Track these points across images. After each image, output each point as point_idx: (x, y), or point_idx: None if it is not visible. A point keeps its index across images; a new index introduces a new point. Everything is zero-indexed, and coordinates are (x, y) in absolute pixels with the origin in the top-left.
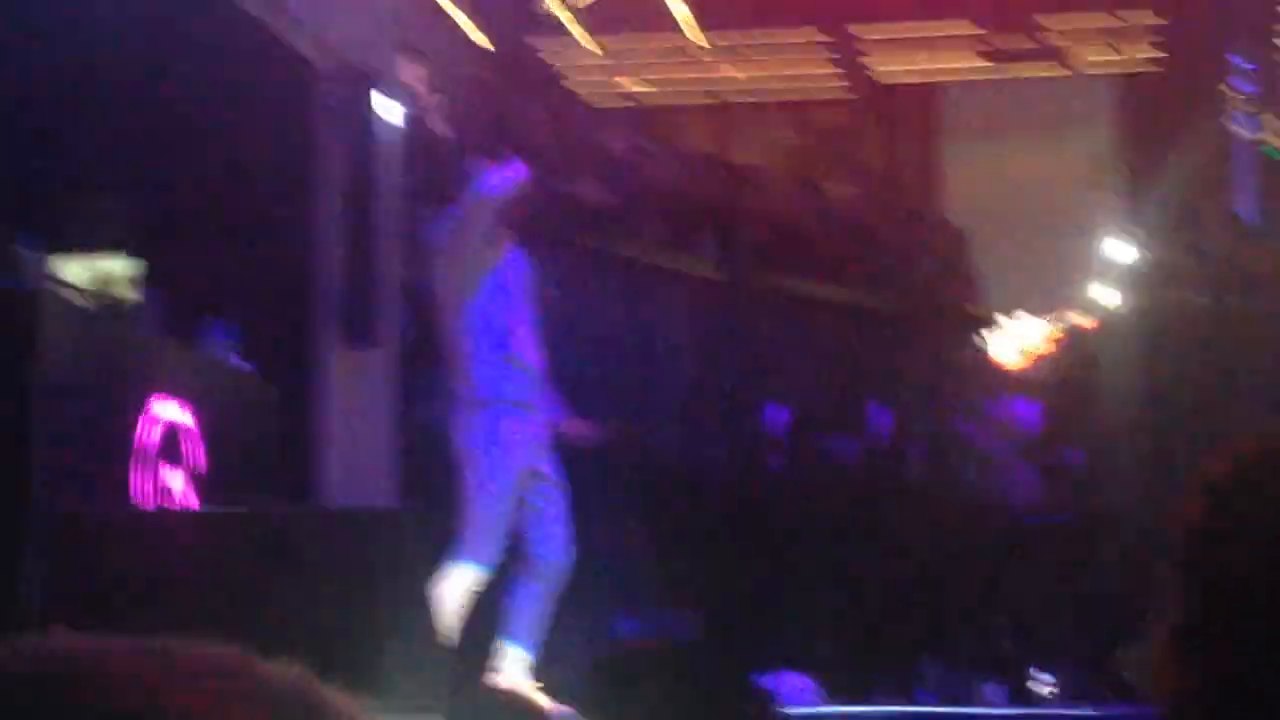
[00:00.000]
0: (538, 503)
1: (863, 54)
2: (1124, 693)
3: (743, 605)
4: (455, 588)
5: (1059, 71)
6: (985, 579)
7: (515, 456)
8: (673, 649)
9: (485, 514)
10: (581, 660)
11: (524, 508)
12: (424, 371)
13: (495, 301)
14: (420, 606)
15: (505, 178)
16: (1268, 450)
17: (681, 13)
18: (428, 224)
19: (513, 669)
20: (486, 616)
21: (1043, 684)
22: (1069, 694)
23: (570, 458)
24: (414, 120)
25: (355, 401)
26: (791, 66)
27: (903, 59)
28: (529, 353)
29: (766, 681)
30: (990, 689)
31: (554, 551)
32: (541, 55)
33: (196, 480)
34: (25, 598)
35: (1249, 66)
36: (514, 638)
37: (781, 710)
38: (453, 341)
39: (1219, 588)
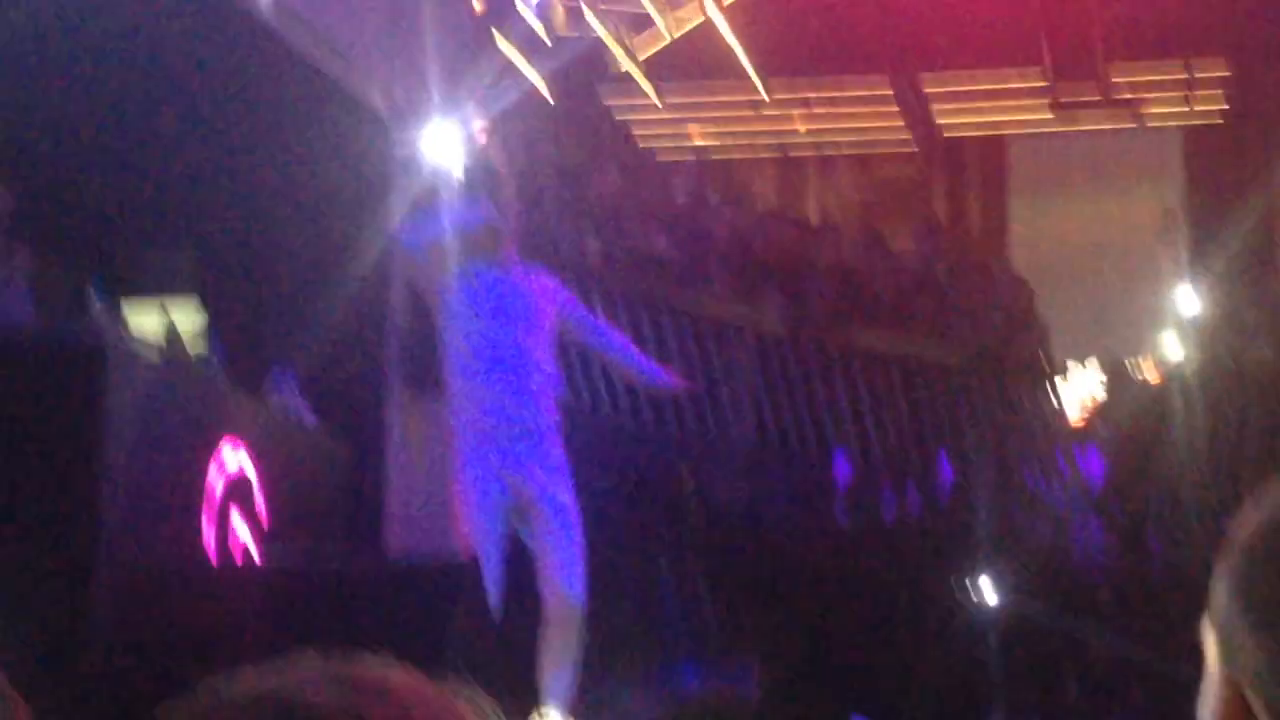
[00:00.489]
0: (545, 538)
1: (929, 105)
2: None
3: (806, 657)
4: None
5: (1126, 123)
6: (1053, 634)
7: (499, 487)
8: (738, 702)
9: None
10: (640, 709)
11: (532, 541)
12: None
13: (494, 327)
14: (488, 656)
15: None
16: None
17: (748, 64)
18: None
19: (553, 709)
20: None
21: None
22: None
23: (637, 504)
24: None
25: (422, 450)
26: (857, 119)
27: (969, 111)
28: (532, 379)
29: None
30: None
31: (568, 587)
32: (609, 107)
33: (264, 530)
34: (93, 650)
35: None
36: (550, 692)
37: None
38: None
39: (1262, 641)
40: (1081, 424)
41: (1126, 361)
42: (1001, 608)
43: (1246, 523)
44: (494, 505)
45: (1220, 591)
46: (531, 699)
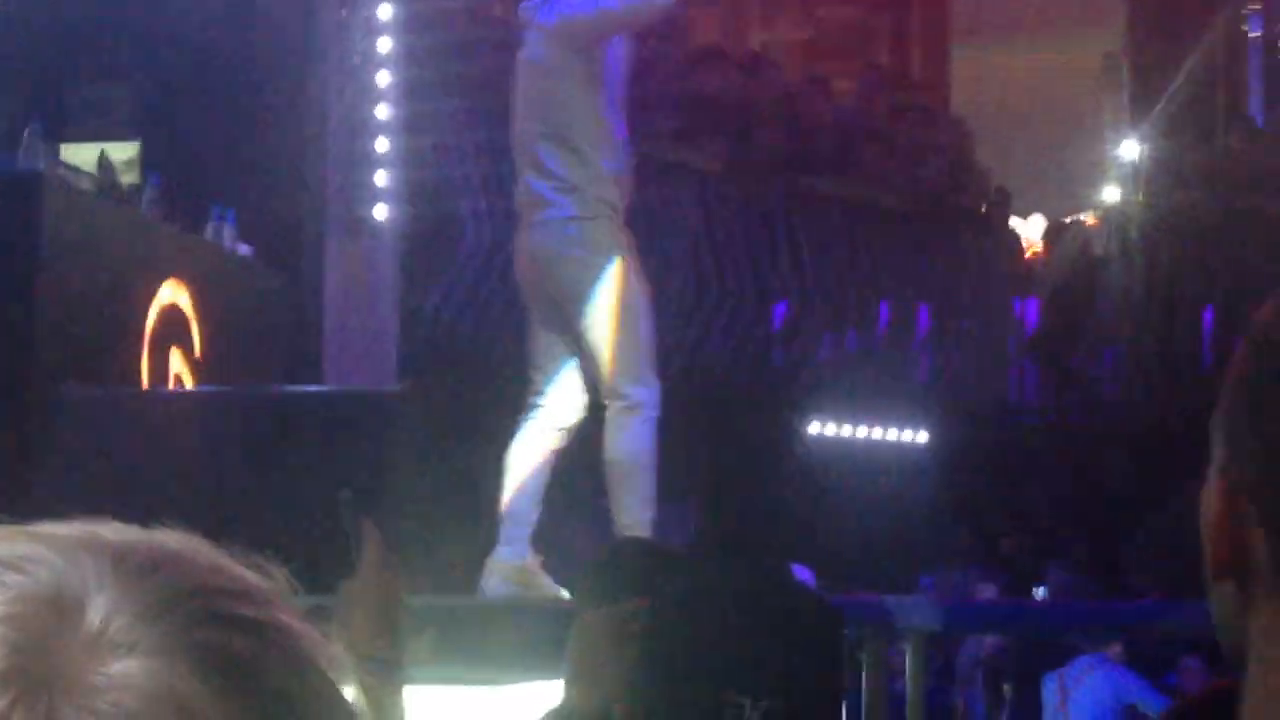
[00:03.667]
0: None
1: None
2: (1128, 592)
3: (743, 500)
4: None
5: None
6: (987, 479)
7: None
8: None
9: (638, 346)
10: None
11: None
12: (424, 257)
13: (596, 108)
14: (421, 486)
15: None
16: None
17: None
18: None
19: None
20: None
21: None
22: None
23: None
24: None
25: (357, 286)
26: None
27: None
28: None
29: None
30: (987, 589)
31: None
32: None
33: (200, 364)
34: (31, 480)
35: None
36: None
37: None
38: (545, 150)
39: (1272, 433)
40: (1022, 270)
41: (1066, 207)
42: (937, 454)
43: (1260, 315)
44: None
45: (1228, 384)
46: (469, 532)
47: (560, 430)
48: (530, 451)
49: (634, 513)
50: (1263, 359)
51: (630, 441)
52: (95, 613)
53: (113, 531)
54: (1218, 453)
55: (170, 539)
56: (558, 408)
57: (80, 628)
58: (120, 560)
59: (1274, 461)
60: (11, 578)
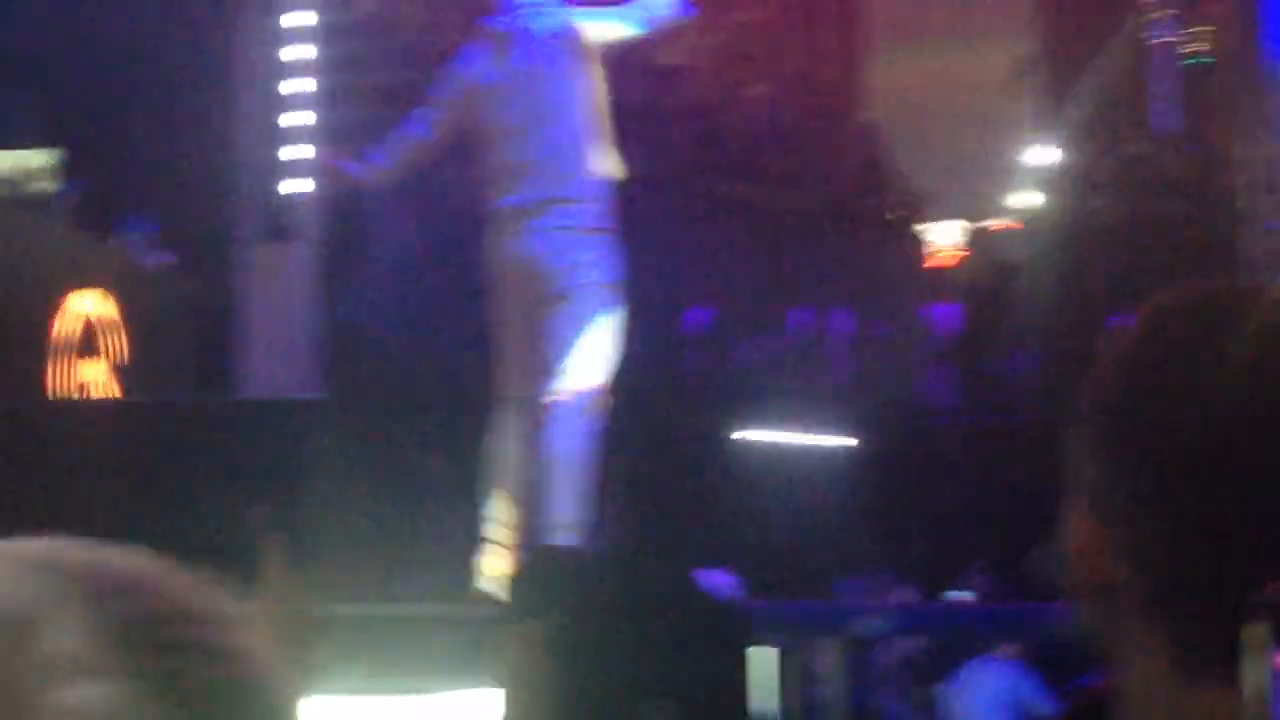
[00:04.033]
0: None
1: None
2: (1039, 595)
3: (661, 505)
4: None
5: None
6: (902, 482)
7: None
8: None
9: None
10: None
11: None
12: (342, 265)
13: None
14: (341, 493)
15: None
16: (1174, 300)
17: None
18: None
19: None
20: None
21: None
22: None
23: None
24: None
25: (274, 295)
26: None
27: None
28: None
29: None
30: (903, 592)
31: None
32: None
33: (117, 373)
34: None
35: None
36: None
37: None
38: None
39: (1144, 455)
40: (934, 275)
41: (979, 213)
42: (852, 458)
43: (1113, 340)
44: None
45: (1075, 414)
46: (390, 538)
47: (536, 424)
48: (518, 446)
49: (570, 511)
50: (1125, 388)
51: (577, 439)
52: (53, 635)
53: (72, 550)
54: (1078, 477)
55: (128, 560)
56: (533, 402)
57: (34, 650)
58: (80, 582)
59: (1137, 494)
60: None
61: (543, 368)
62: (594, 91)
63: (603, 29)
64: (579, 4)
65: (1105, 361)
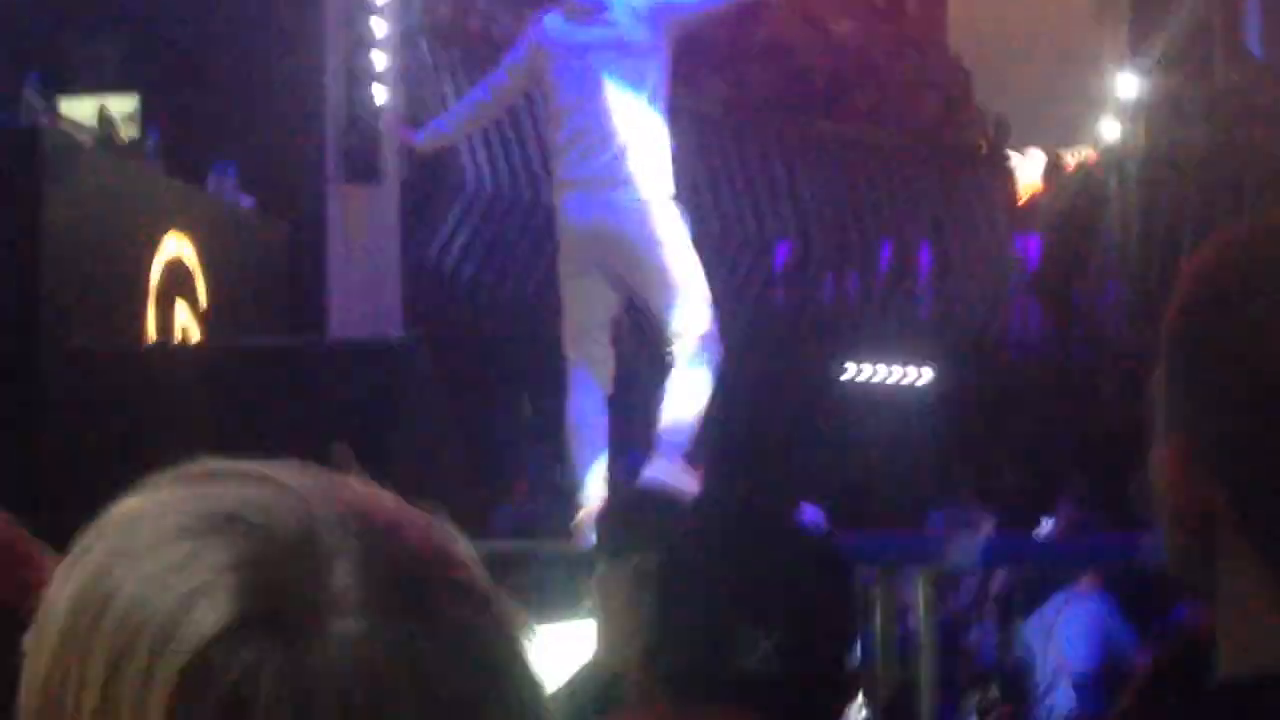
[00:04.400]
0: None
1: None
2: (1129, 526)
3: (750, 441)
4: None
5: None
6: (989, 415)
7: None
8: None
9: (703, 299)
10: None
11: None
12: (424, 208)
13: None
14: (426, 434)
15: None
16: (1255, 231)
17: None
18: None
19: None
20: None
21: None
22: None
23: None
24: None
25: (360, 236)
26: None
27: None
28: None
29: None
30: (992, 524)
31: None
32: None
33: (205, 315)
34: (37, 432)
35: None
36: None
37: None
38: (622, 138)
39: (1231, 381)
40: (1021, 208)
41: (1065, 146)
42: (939, 391)
43: (1185, 275)
44: None
45: (1162, 346)
46: (475, 479)
47: (611, 381)
48: (596, 403)
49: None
50: (1211, 316)
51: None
52: (340, 570)
53: (348, 488)
54: (1167, 411)
55: (393, 502)
56: (608, 361)
57: (325, 583)
58: (361, 519)
59: (1233, 423)
60: (256, 521)
61: (604, 329)
62: (660, 68)
63: (676, 6)
64: None
65: (1189, 290)
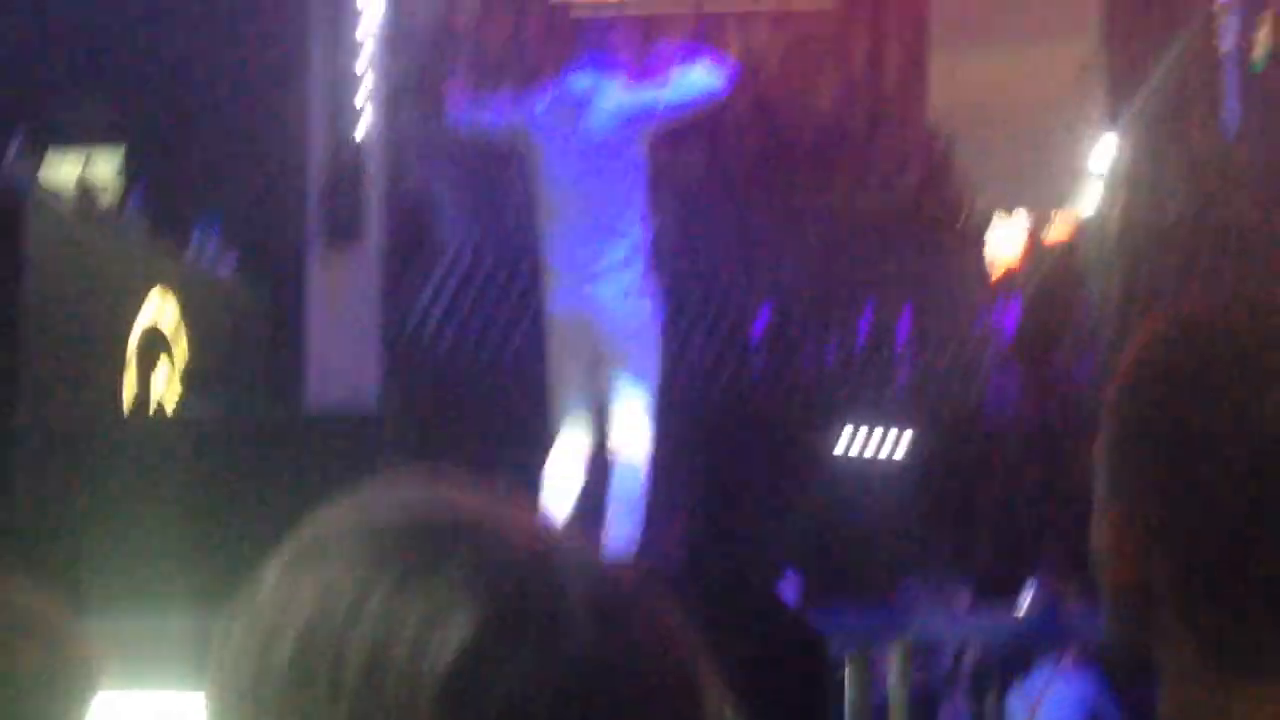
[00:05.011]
0: None
1: None
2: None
3: (730, 510)
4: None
5: None
6: (966, 485)
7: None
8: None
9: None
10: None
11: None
12: (405, 274)
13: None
14: None
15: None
16: (1209, 306)
17: None
18: None
19: None
20: None
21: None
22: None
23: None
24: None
25: (339, 300)
26: None
27: None
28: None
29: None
30: (968, 595)
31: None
32: None
33: (183, 380)
34: (17, 503)
35: None
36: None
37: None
38: (610, 229)
39: (1178, 456)
40: (1000, 275)
41: (1044, 214)
42: (917, 459)
43: (1132, 347)
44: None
45: (1105, 416)
46: None
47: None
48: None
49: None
50: (1160, 391)
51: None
52: (568, 580)
53: (457, 500)
54: (1108, 481)
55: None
56: (588, 430)
57: (562, 593)
58: (564, 535)
59: (1171, 499)
60: (490, 532)
61: (589, 411)
62: (637, 164)
63: (646, 104)
64: (628, 80)
65: (1132, 362)
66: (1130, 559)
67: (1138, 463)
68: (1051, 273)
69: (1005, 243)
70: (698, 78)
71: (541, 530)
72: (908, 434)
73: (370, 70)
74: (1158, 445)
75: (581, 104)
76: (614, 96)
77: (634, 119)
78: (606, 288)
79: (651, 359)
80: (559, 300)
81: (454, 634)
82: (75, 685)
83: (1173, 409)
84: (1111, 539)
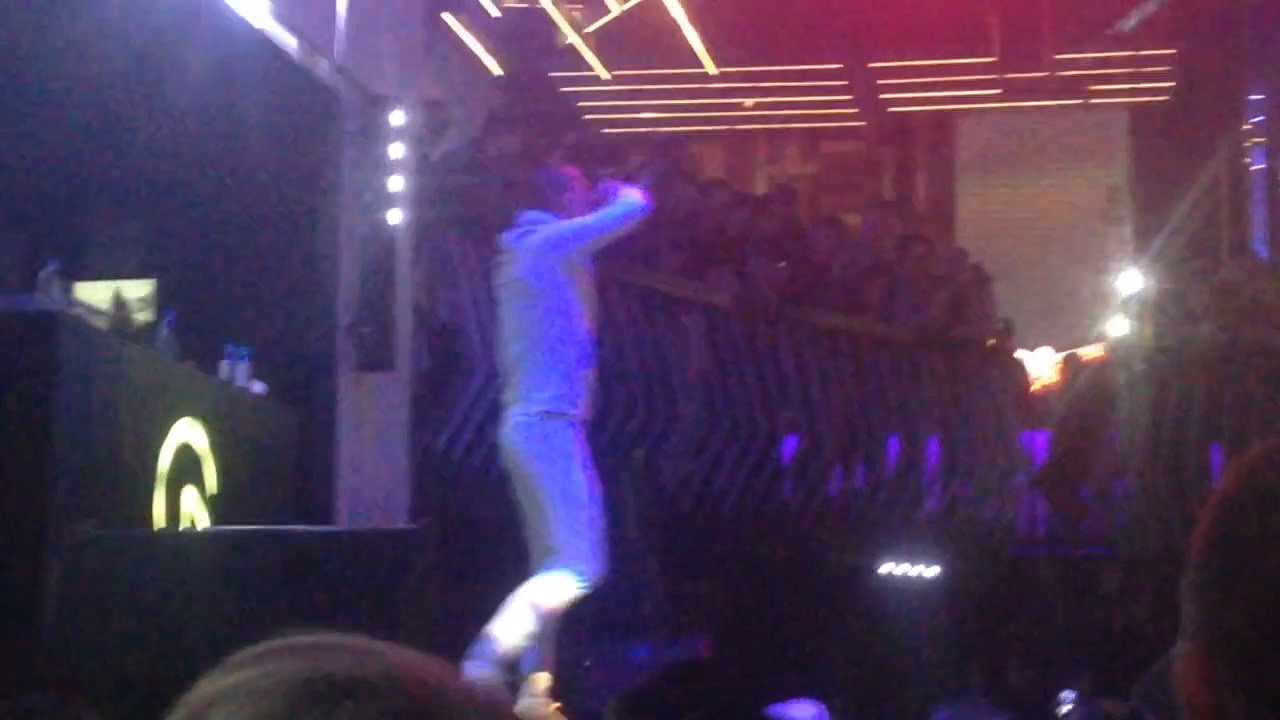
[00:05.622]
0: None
1: (877, 83)
2: None
3: (755, 633)
4: (555, 597)
5: (1073, 99)
6: (997, 611)
7: (586, 467)
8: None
9: (578, 523)
10: (593, 687)
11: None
12: (435, 396)
13: (574, 318)
14: (436, 625)
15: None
16: (1272, 453)
17: (695, 39)
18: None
19: (539, 688)
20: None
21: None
22: None
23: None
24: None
25: (370, 424)
26: (805, 94)
27: (918, 88)
28: (587, 369)
29: (779, 709)
30: None
31: (588, 551)
32: (560, 84)
33: (214, 502)
34: (44, 621)
35: (1261, 98)
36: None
37: None
38: (527, 358)
39: (1244, 595)
40: (1027, 403)
41: (1073, 341)
42: (946, 586)
43: (1223, 482)
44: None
45: (1196, 552)
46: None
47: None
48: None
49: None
50: (1234, 526)
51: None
52: None
53: (434, 662)
54: (1191, 617)
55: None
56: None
57: None
58: (463, 690)
59: (1251, 630)
60: (381, 687)
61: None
62: (573, 297)
63: (579, 237)
64: (568, 214)
65: (1219, 500)
66: (1209, 689)
67: (1218, 598)
68: (1080, 402)
69: (1035, 372)
70: (623, 200)
71: (433, 681)
72: (937, 561)
73: (402, 194)
74: (1236, 582)
75: (516, 243)
76: (540, 232)
77: (544, 250)
78: (522, 416)
79: (558, 490)
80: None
81: None
82: None
83: (1249, 547)
84: (1191, 669)
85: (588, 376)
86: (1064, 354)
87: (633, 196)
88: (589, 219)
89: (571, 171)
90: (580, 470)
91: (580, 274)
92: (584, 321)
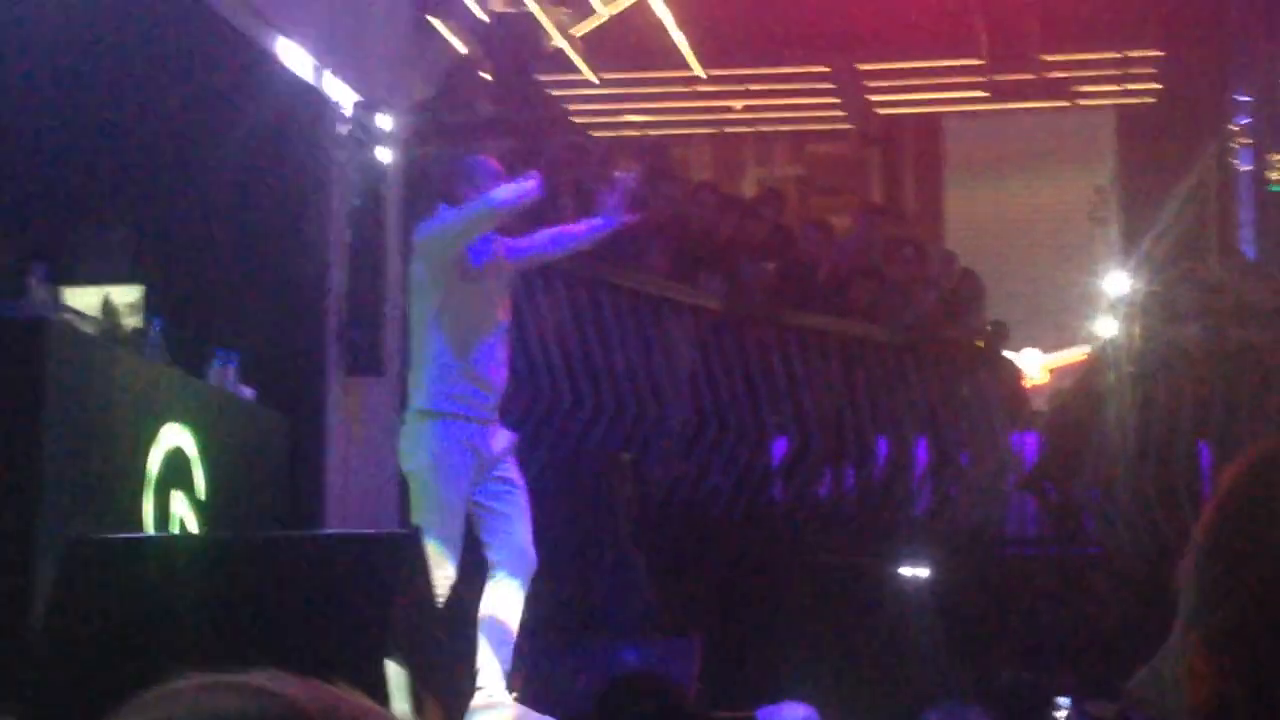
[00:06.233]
0: (497, 507)
1: (864, 86)
2: None
3: (744, 635)
4: (505, 604)
5: (1060, 101)
6: (987, 612)
7: (465, 466)
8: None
9: (449, 525)
10: (582, 689)
11: (485, 513)
12: None
13: (465, 318)
14: (430, 628)
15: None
16: (1277, 447)
17: (683, 43)
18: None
19: (491, 680)
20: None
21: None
22: None
23: (573, 487)
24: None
25: (359, 429)
26: (793, 97)
27: (905, 90)
28: (490, 369)
29: (770, 710)
30: None
31: (518, 554)
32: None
33: (203, 506)
34: (34, 625)
35: (1248, 100)
36: (491, 647)
37: None
38: (413, 357)
39: (1248, 584)
40: (1015, 404)
41: (1060, 342)
42: (936, 586)
43: (1223, 479)
44: (463, 479)
45: (1200, 541)
46: (465, 676)
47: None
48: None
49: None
50: (1234, 518)
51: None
52: None
53: (344, 701)
54: (1192, 605)
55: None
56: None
57: None
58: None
59: (1254, 617)
60: None
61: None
62: (467, 297)
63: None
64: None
65: (1220, 495)
66: (1209, 680)
67: (1218, 590)
68: (1069, 403)
69: (1023, 368)
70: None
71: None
72: (926, 562)
73: (390, 202)
74: (1238, 575)
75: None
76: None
77: (440, 238)
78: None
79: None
80: None
81: None
82: None
83: (1254, 541)
84: (1192, 660)
85: (491, 377)
86: (1050, 355)
87: (593, 223)
88: (544, 236)
89: (493, 166)
90: (457, 472)
91: (494, 272)
92: (488, 322)
